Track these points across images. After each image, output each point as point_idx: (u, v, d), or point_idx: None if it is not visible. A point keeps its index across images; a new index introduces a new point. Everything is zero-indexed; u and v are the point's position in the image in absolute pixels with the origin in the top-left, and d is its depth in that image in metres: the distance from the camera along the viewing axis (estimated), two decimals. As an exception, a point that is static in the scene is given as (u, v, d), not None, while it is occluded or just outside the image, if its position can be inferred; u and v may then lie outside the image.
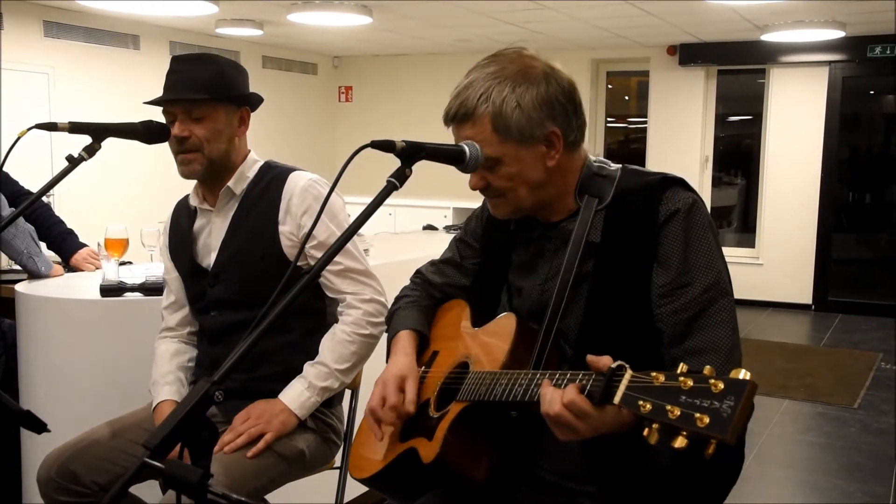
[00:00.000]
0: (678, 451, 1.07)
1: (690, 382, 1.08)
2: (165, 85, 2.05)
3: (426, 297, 1.89)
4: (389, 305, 2.10)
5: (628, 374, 1.18)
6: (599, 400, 1.20)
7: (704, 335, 1.44)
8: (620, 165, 1.61)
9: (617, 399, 1.16)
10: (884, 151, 11.39)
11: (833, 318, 7.68)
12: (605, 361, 1.23)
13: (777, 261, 8.12)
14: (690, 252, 1.47)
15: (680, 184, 1.53)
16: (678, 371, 1.12)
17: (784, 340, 6.76)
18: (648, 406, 1.10)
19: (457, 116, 1.52)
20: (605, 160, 1.63)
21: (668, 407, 1.07)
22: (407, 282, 1.96)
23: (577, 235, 1.53)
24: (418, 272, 1.95)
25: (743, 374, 1.06)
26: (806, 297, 8.05)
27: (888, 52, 7.47)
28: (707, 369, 1.10)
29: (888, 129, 11.59)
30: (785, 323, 7.61)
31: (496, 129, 1.50)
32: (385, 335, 1.92)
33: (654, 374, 1.13)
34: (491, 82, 1.51)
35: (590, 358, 1.26)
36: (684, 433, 1.06)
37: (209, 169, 2.07)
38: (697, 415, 1.04)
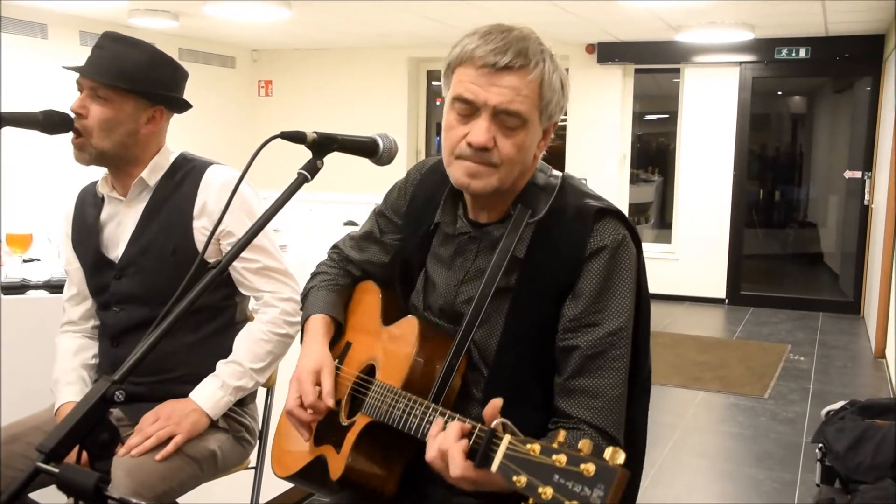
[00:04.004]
0: None
1: (564, 460, 1.06)
2: (88, 57, 1.97)
3: (344, 274, 1.83)
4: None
5: (506, 439, 1.15)
6: (478, 463, 1.19)
7: (595, 378, 1.43)
8: (561, 177, 1.57)
9: (494, 467, 1.14)
10: (791, 150, 11.85)
11: (745, 312, 7.92)
12: (491, 415, 1.22)
13: (692, 256, 8.33)
14: (606, 293, 1.45)
15: (614, 215, 1.49)
16: (554, 443, 1.10)
17: (699, 334, 6.94)
18: (523, 480, 1.09)
19: (512, 63, 1.41)
20: (547, 165, 1.60)
21: (541, 489, 1.06)
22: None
23: (504, 246, 1.50)
24: (336, 247, 1.88)
25: (617, 460, 1.04)
26: (719, 291, 8.29)
27: (793, 54, 7.74)
28: (582, 443, 1.08)
29: (794, 129, 12.05)
30: (700, 316, 7.81)
31: (541, 92, 1.44)
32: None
33: (529, 445, 1.11)
34: (542, 48, 1.45)
35: (486, 412, 1.24)
36: None
37: (101, 159, 1.99)
38: (567, 503, 1.03)
